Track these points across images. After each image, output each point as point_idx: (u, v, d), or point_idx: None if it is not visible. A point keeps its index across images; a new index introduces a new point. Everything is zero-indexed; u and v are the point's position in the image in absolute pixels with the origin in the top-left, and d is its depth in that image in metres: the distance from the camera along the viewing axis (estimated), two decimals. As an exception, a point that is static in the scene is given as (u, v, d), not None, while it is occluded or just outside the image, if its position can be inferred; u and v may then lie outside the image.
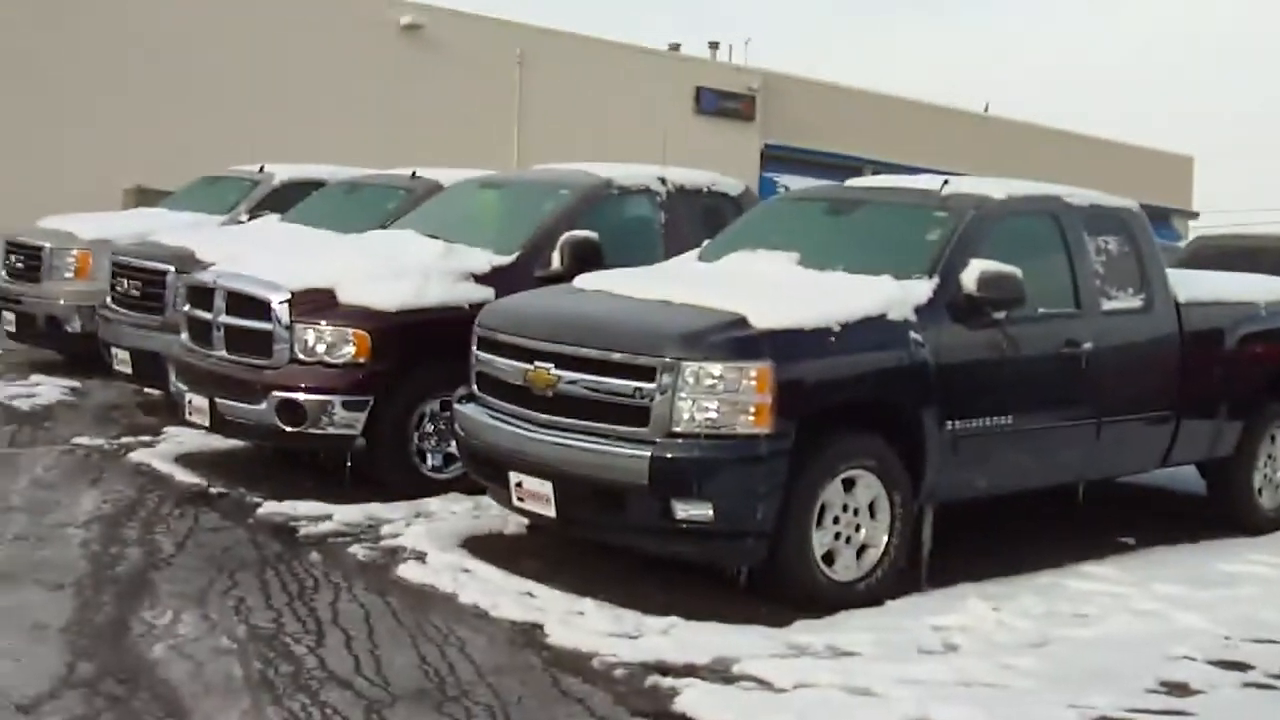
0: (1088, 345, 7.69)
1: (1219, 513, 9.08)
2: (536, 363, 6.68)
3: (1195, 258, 12.17)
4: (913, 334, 6.79)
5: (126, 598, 6.06)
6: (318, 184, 13.10)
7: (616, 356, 6.39)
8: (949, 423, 6.94)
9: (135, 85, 25.57)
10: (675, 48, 38.93)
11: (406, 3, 30.48)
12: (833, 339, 6.48)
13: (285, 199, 13.03)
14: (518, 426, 6.74)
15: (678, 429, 6.19)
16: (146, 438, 9.69)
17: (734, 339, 6.28)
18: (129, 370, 10.61)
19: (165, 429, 9.94)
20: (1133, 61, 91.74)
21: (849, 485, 6.58)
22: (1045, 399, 7.57)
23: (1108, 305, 7.97)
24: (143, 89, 25.63)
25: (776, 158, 38.50)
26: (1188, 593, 7.07)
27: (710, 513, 6.15)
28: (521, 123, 32.39)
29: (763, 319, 6.37)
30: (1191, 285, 8.73)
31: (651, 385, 6.24)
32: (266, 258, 9.07)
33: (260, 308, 8.32)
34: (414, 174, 11.74)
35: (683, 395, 6.19)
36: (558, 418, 6.56)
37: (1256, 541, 8.61)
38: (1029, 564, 7.46)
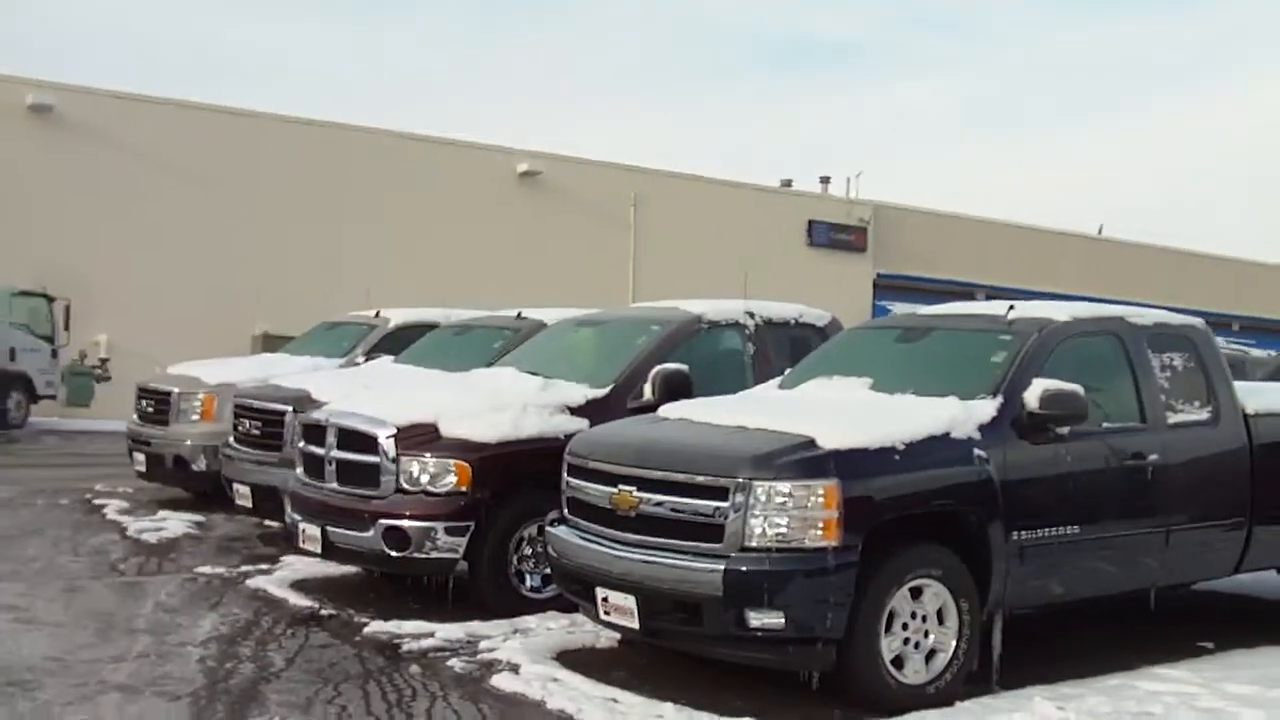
0: (1154, 457, 7.98)
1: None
2: (620, 485, 7.15)
3: (1281, 372, 12.35)
4: (977, 450, 7.15)
5: (238, 706, 6.55)
6: (430, 326, 13.80)
7: (693, 478, 6.84)
8: (1015, 533, 7.26)
9: (278, 237, 26.87)
10: (787, 183, 39.79)
11: (524, 151, 31.66)
12: (897, 456, 6.87)
13: (400, 341, 13.75)
14: (604, 545, 7.19)
15: (750, 544, 6.60)
16: (264, 566, 10.27)
17: (802, 459, 6.70)
18: (249, 504, 11.26)
19: (282, 558, 10.51)
20: (1240, 175, 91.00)
21: (916, 593, 6.92)
22: (1112, 509, 7.86)
23: (1174, 419, 8.27)
24: (286, 239, 26.92)
25: (889, 286, 39.00)
26: (1258, 692, 7.25)
27: (782, 621, 6.53)
28: (637, 260, 33.28)
29: (829, 440, 6.79)
30: (1262, 397, 8.99)
31: (726, 504, 6.68)
32: (375, 396, 9.69)
33: (368, 442, 8.90)
34: (519, 314, 12.37)
35: (755, 512, 6.60)
36: (640, 536, 7.01)
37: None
38: (1102, 667, 7.70)
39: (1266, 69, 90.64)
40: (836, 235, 37.30)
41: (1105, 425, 7.92)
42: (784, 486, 6.60)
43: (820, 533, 6.58)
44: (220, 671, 7.23)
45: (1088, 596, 8.06)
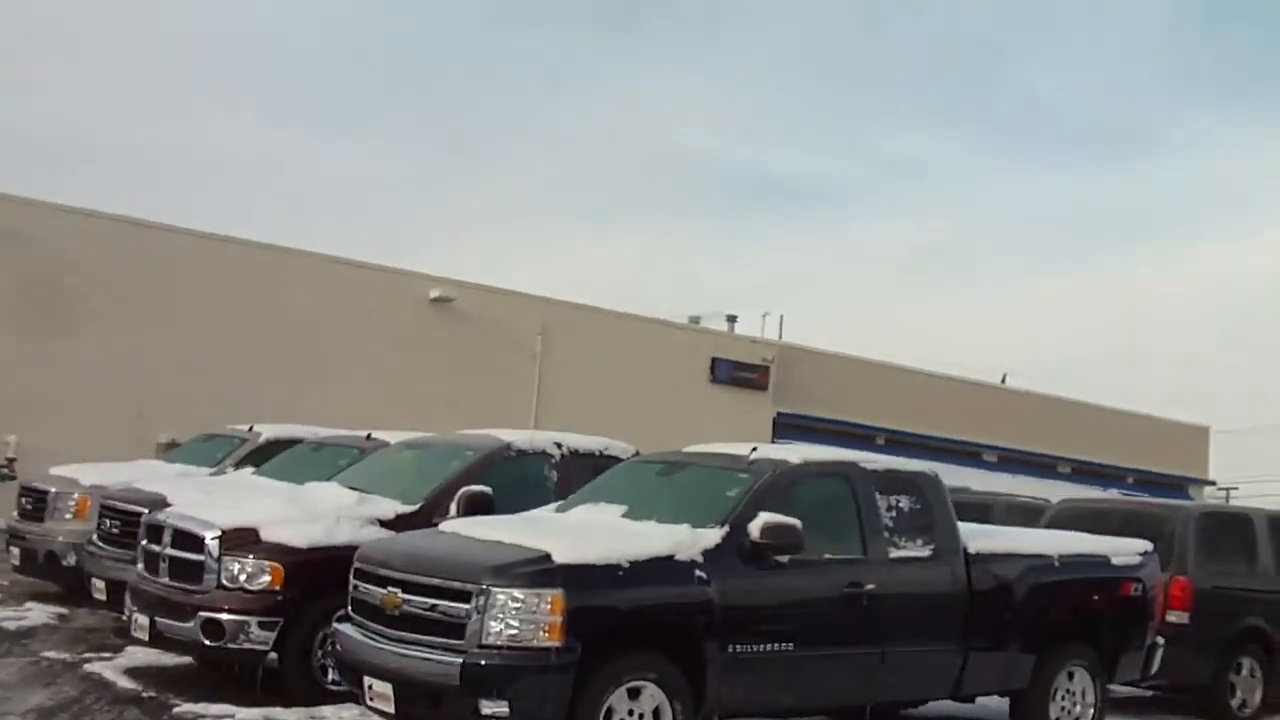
0: (870, 586, 9.20)
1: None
2: (389, 587, 8.30)
3: (1056, 519, 13.70)
4: (698, 572, 8.35)
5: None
6: (296, 442, 14.89)
7: (445, 583, 8.01)
8: (731, 647, 8.44)
9: (189, 350, 27.87)
10: (696, 320, 41.15)
11: (436, 277, 32.89)
12: (620, 573, 8.06)
13: (268, 454, 14.84)
14: (373, 640, 8.33)
15: (487, 641, 7.75)
16: (107, 654, 11.27)
17: (535, 571, 7.88)
18: (104, 598, 12.25)
19: (128, 648, 11.47)
20: (1153, 333, 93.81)
21: (635, 693, 8.07)
22: (827, 631, 9.05)
23: (895, 554, 9.51)
24: (198, 352, 27.92)
25: (789, 425, 40.10)
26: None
27: (507, 710, 7.65)
28: (542, 389, 34.33)
29: (562, 555, 7.98)
30: (986, 539, 10.25)
31: (469, 606, 7.83)
32: (210, 502, 10.83)
33: (196, 542, 10.02)
34: (369, 436, 13.54)
35: (492, 614, 7.76)
36: (400, 632, 8.16)
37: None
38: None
39: (1201, 230, 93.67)
40: (739, 373, 38.49)
41: (827, 556, 9.15)
42: (518, 593, 7.76)
43: (546, 635, 7.73)
44: (30, 738, 8.28)
45: (802, 707, 9.20)
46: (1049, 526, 13.38)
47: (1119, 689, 12.20)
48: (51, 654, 11.14)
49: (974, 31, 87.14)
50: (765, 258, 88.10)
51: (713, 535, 8.59)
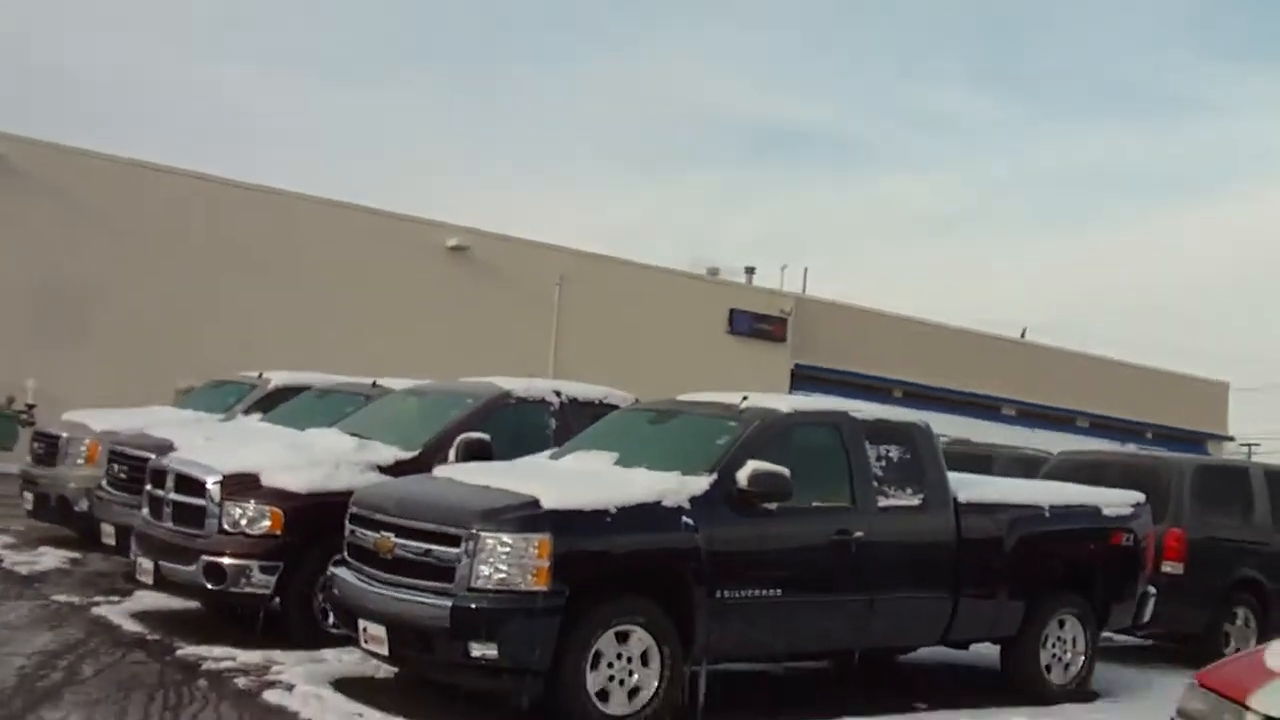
0: (859, 534, 9.33)
1: (1013, 686, 10.54)
2: (382, 531, 8.47)
3: (1054, 471, 13.81)
4: (685, 519, 8.49)
5: (36, 702, 7.82)
6: (305, 389, 15.07)
7: (435, 527, 8.18)
8: (719, 592, 8.59)
9: (208, 295, 28.14)
10: (714, 272, 41.23)
11: (454, 226, 33.02)
12: (608, 519, 8.21)
13: (278, 401, 15.03)
14: (367, 583, 8.51)
15: (476, 585, 7.91)
16: (115, 598, 11.49)
17: (523, 516, 8.03)
18: (113, 543, 12.49)
19: (136, 592, 11.69)
20: (1175, 289, 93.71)
21: (623, 637, 8.22)
22: (815, 578, 9.21)
23: (884, 502, 9.64)
24: (216, 298, 28.19)
25: (807, 377, 40.27)
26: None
27: (496, 652, 7.82)
28: (559, 338, 34.54)
29: (550, 501, 8.13)
30: (975, 488, 10.37)
31: (459, 550, 7.99)
32: (213, 447, 11.01)
33: (198, 487, 10.21)
34: (374, 383, 13.71)
35: (481, 558, 7.92)
36: (393, 575, 8.33)
37: (1037, 710, 10.01)
38: (809, 713, 8.97)
39: (1226, 189, 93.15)
40: (757, 325, 38.64)
41: (815, 504, 9.29)
42: (506, 538, 7.92)
43: (534, 578, 7.89)
44: (34, 676, 8.48)
45: (791, 652, 9.36)
46: (1047, 478, 13.48)
47: (1117, 638, 12.41)
48: (61, 597, 11.36)
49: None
50: (790, 212, 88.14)
51: (701, 482, 8.72)
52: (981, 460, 16.12)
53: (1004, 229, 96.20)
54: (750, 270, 41.91)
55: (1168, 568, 12.42)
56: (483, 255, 33.08)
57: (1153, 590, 11.38)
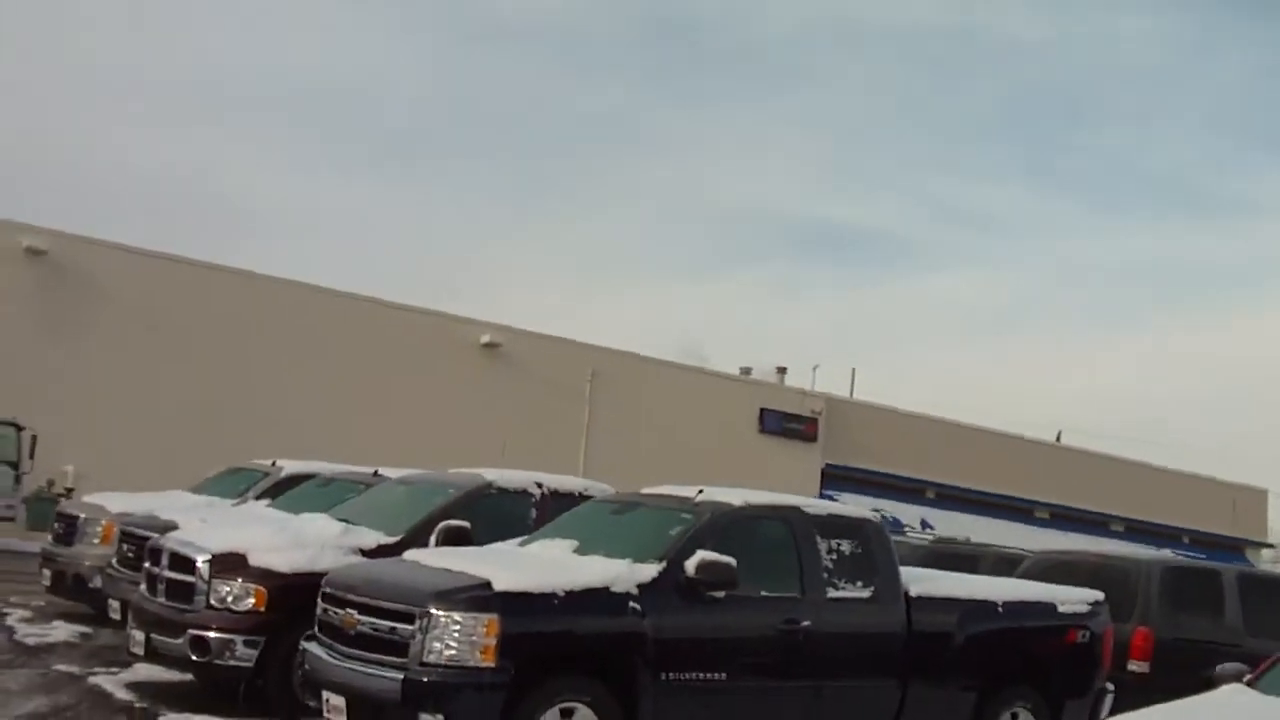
0: (806, 623, 9.79)
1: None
2: (347, 608, 9.04)
3: (1030, 570, 14.23)
4: (632, 604, 9.00)
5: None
6: (313, 476, 15.71)
7: (393, 605, 8.73)
8: (664, 674, 9.07)
9: (245, 389, 29.01)
10: (746, 371, 41.82)
11: (487, 323, 33.85)
12: (555, 601, 8.74)
13: (288, 487, 15.66)
14: (332, 657, 9.06)
15: (428, 660, 8.45)
16: (115, 669, 12.07)
17: (474, 596, 8.58)
18: (119, 617, 13.08)
19: (136, 665, 12.26)
20: (1206, 388, 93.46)
21: (568, 713, 8.71)
22: (761, 664, 9.66)
23: (834, 594, 10.09)
24: (252, 391, 29.06)
25: (837, 476, 40.69)
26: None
27: (443, 723, 8.35)
28: (590, 434, 35.16)
29: (501, 584, 8.67)
30: (926, 583, 10.80)
31: (414, 627, 8.54)
32: (206, 529, 11.64)
33: (189, 564, 10.82)
34: (375, 472, 14.34)
35: (433, 634, 8.47)
36: (355, 650, 8.89)
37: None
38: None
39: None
40: (788, 424, 39.16)
41: (764, 594, 9.77)
42: (457, 616, 8.47)
43: (482, 655, 8.42)
44: (19, 737, 9.09)
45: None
46: (1023, 577, 13.85)
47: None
48: (62, 667, 11.97)
49: (1055, 85, 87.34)
50: (828, 312, 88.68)
51: (650, 570, 9.24)
52: (966, 559, 16.51)
53: (1043, 328, 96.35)
54: (782, 370, 42.50)
55: (1134, 666, 12.73)
56: (515, 352, 33.86)
57: (1110, 687, 11.68)
